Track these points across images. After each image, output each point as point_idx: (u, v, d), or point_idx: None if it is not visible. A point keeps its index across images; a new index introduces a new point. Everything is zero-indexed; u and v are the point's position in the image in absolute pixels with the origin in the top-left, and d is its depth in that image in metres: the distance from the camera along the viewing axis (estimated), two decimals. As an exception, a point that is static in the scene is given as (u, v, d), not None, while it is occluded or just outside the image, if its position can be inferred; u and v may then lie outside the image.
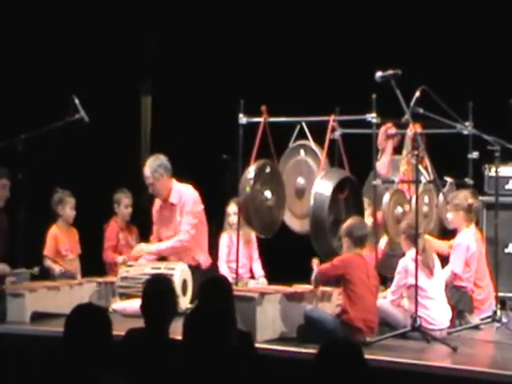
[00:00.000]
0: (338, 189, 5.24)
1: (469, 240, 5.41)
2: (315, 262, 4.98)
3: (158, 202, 5.97)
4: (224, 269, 5.98)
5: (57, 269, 5.92)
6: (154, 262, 5.84)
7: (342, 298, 4.84)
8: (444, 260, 5.37)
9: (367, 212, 5.50)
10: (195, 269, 5.67)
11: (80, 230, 6.23)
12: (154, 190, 5.82)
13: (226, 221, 6.08)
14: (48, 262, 6.01)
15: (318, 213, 5.14)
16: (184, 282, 5.54)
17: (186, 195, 5.80)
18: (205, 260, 5.88)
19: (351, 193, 5.34)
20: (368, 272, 4.83)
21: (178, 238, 5.73)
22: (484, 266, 5.50)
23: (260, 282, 6.03)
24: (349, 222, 4.88)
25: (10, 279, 5.48)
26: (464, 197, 5.47)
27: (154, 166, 5.75)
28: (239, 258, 5.63)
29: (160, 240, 5.92)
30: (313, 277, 4.84)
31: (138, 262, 5.83)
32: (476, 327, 5.23)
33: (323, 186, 5.23)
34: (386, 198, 5.52)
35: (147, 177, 5.76)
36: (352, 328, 4.67)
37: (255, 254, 6.16)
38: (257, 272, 6.13)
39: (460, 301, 5.30)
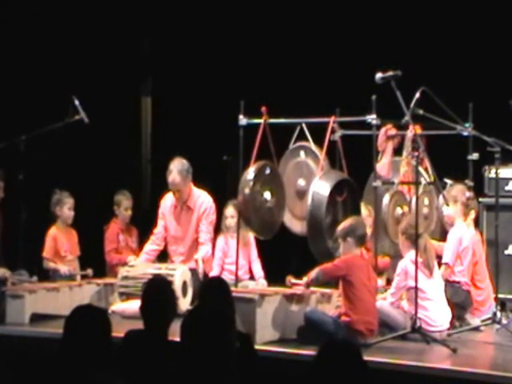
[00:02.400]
0: (336, 190, 5.24)
1: (462, 233, 5.40)
2: (290, 279, 4.95)
3: (170, 199, 5.98)
4: (216, 272, 5.95)
5: (62, 269, 5.91)
6: (156, 263, 5.87)
7: (341, 300, 4.83)
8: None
9: (368, 221, 5.46)
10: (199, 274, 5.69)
11: (80, 231, 6.23)
12: (179, 193, 5.85)
13: (223, 223, 6.07)
14: (50, 264, 6.00)
15: (316, 212, 5.14)
16: (184, 284, 5.55)
17: (206, 203, 5.88)
18: (209, 264, 5.89)
19: (349, 195, 5.34)
20: (368, 273, 4.82)
21: (205, 249, 5.77)
22: (484, 267, 5.50)
23: (260, 283, 6.01)
24: (349, 222, 4.86)
25: (12, 281, 5.49)
26: (461, 190, 5.47)
27: (183, 171, 5.79)
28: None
29: (165, 238, 5.93)
30: (313, 275, 4.80)
31: (140, 263, 5.85)
32: (476, 329, 5.22)
33: (321, 186, 5.23)
34: (386, 199, 5.52)
35: (177, 183, 5.79)
36: (353, 331, 4.67)
37: (253, 254, 6.14)
38: (256, 273, 6.12)
39: (455, 294, 5.27)
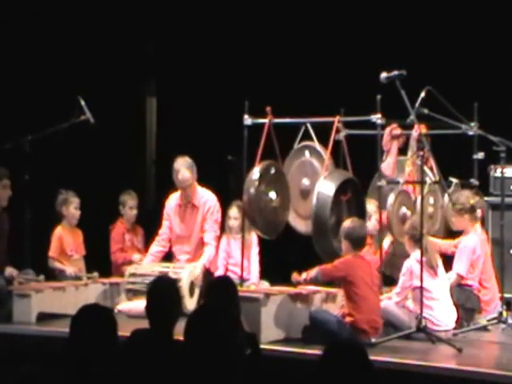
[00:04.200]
0: (340, 190, 5.24)
1: (475, 242, 5.40)
2: (296, 276, 4.90)
3: (174, 199, 5.99)
4: (221, 272, 5.87)
5: (68, 270, 5.93)
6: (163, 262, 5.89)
7: (344, 301, 4.83)
8: (447, 260, 5.36)
9: (375, 216, 5.47)
10: (205, 273, 5.70)
11: (85, 231, 6.24)
12: (186, 190, 5.85)
13: (226, 224, 6.04)
14: (55, 264, 6.02)
15: (320, 212, 5.14)
16: (191, 284, 5.57)
17: (210, 201, 5.89)
18: (214, 263, 5.90)
19: (354, 195, 5.34)
20: (370, 272, 4.83)
21: (209, 252, 5.78)
22: (490, 266, 5.49)
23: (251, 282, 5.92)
24: (347, 224, 4.86)
25: (19, 280, 5.50)
26: (466, 198, 5.46)
27: (190, 167, 5.81)
28: (239, 260, 5.62)
29: (170, 239, 5.94)
30: (312, 274, 4.79)
31: (148, 262, 5.86)
32: (482, 328, 5.22)
33: (326, 186, 5.23)
34: (391, 198, 5.52)
35: (187, 179, 5.81)
36: (357, 330, 4.67)
37: (252, 254, 6.07)
38: (252, 273, 6.04)
39: (468, 300, 5.29)
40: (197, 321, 2.42)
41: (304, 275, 4.84)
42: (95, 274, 5.96)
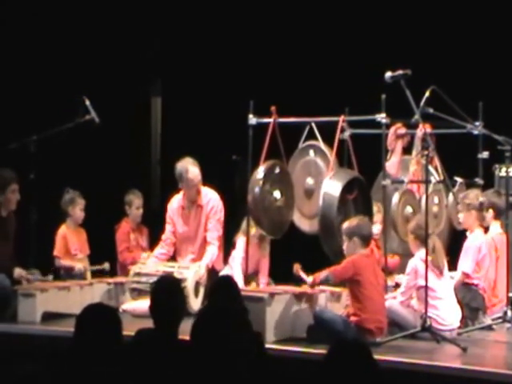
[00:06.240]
0: (346, 189, 5.24)
1: (480, 241, 5.39)
2: (297, 267, 4.89)
3: (176, 201, 5.98)
4: (238, 272, 5.68)
5: (77, 266, 5.94)
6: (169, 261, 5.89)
7: (349, 300, 4.83)
8: (450, 260, 5.34)
9: (377, 217, 5.47)
10: (210, 271, 5.70)
11: (90, 230, 6.26)
12: (196, 191, 5.84)
13: (246, 229, 5.70)
14: (61, 262, 6.04)
15: (327, 213, 5.15)
16: (196, 284, 5.57)
17: (213, 200, 5.87)
18: (219, 262, 5.90)
19: (360, 193, 5.34)
20: (376, 272, 4.82)
21: (212, 251, 5.76)
22: (503, 268, 5.42)
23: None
24: (355, 222, 4.84)
25: (27, 278, 5.51)
26: (475, 196, 5.45)
27: (197, 164, 5.79)
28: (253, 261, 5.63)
29: (174, 243, 5.93)
30: (322, 276, 4.79)
31: (153, 261, 5.87)
32: (487, 327, 5.21)
33: (332, 186, 5.23)
34: (396, 198, 5.52)
35: (198, 174, 5.79)
36: (362, 330, 4.67)
37: (266, 254, 6.03)
38: (264, 273, 6.02)
39: (473, 299, 5.28)
40: (204, 322, 2.42)
41: (311, 278, 4.81)
42: (106, 265, 5.97)
